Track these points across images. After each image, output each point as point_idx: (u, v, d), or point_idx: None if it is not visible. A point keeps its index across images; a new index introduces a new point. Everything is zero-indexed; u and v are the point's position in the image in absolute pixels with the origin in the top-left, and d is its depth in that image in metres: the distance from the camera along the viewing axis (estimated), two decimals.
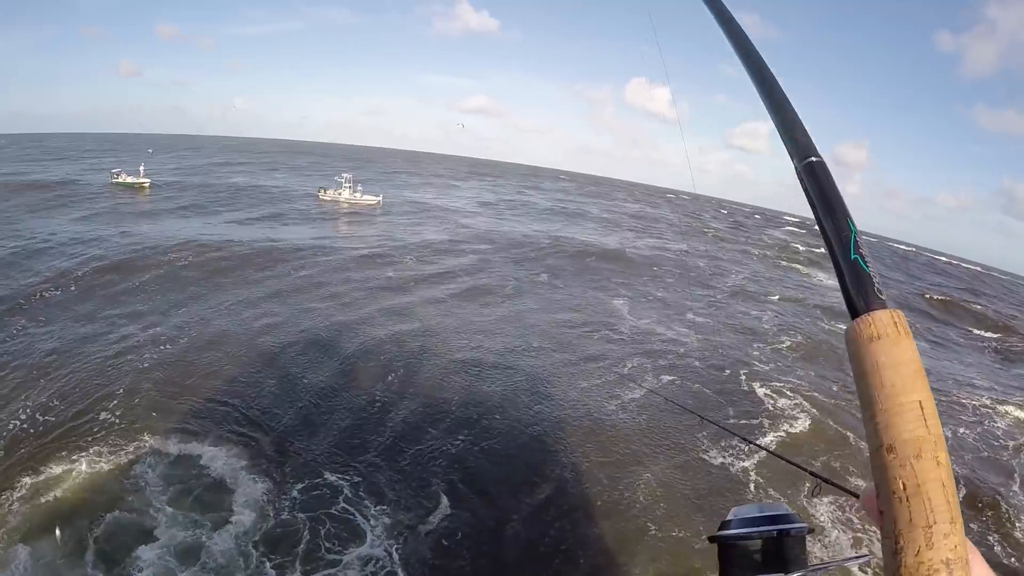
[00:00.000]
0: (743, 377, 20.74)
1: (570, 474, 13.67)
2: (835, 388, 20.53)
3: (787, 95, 1.50)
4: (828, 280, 41.52)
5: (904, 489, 0.92)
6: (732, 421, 17.03)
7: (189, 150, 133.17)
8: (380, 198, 58.59)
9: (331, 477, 12.93)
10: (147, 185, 52.93)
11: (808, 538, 1.38)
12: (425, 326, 22.30)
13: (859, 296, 1.09)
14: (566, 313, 25.82)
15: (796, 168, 1.34)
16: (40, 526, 10.81)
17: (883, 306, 1.07)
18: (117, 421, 14.23)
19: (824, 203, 1.24)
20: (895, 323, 1.03)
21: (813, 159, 1.33)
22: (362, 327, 21.48)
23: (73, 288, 22.92)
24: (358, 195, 57.66)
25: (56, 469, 12.33)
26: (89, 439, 13.43)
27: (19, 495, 11.52)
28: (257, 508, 11.79)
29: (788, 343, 25.83)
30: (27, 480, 11.90)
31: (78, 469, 12.44)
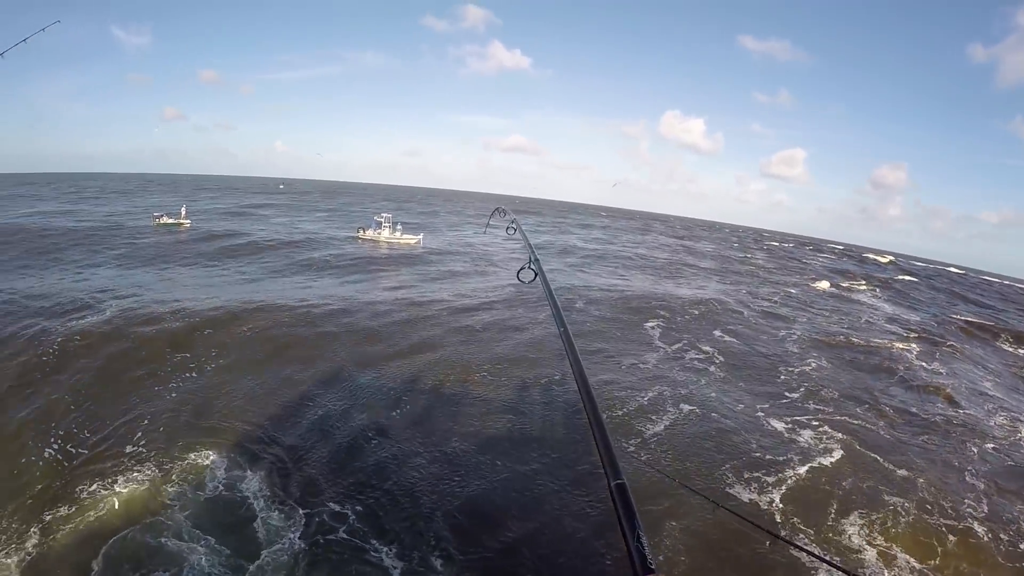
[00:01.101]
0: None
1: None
2: None
3: (605, 428, 2.34)
4: None
5: None
6: None
7: (232, 189, 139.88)
8: (420, 237, 58.84)
9: (348, 509, 13.17)
10: (187, 224, 55.70)
11: None
12: (457, 365, 22.26)
13: (638, 565, 1.70)
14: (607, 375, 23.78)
15: (609, 485, 2.03)
16: (76, 547, 11.38)
17: (650, 571, 1.65)
18: (144, 447, 14.85)
19: (626, 514, 1.89)
20: None
21: (620, 481, 2.03)
22: (395, 366, 21.72)
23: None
24: (398, 234, 57.93)
25: (87, 493, 12.93)
26: (118, 463, 14.08)
27: (54, 517, 12.11)
28: (278, 537, 12.13)
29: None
30: (62, 507, 12.49)
31: (110, 493, 13.02)
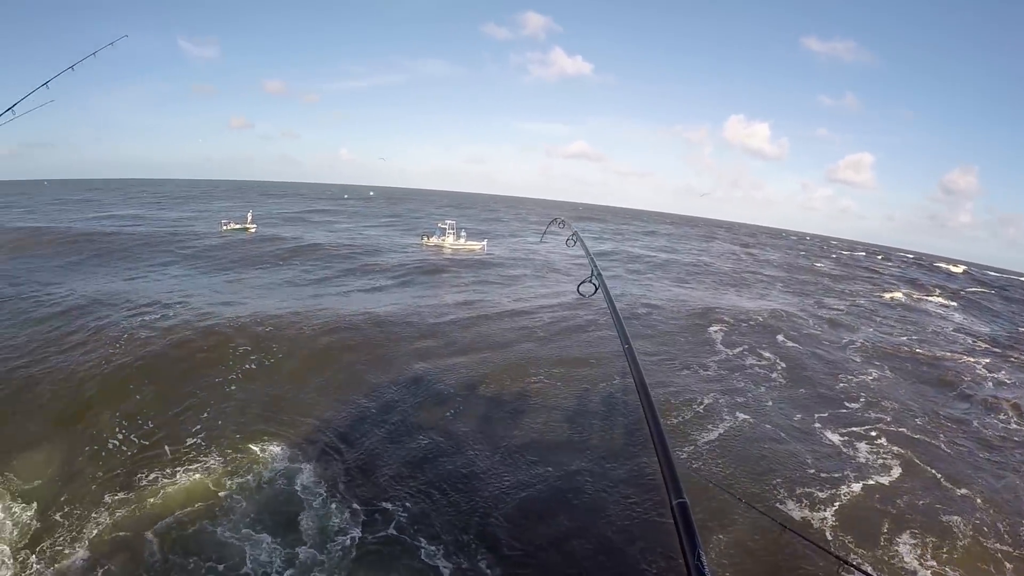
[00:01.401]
0: None
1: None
2: None
3: (668, 446, 2.30)
4: None
5: None
6: None
7: (297, 196, 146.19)
8: (484, 244, 58.58)
9: (399, 506, 13.25)
10: (254, 229, 57.59)
11: None
12: (515, 368, 22.13)
13: None
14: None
15: (671, 504, 1.98)
16: (135, 532, 11.77)
17: None
18: (203, 439, 15.23)
19: (687, 532, 1.85)
20: None
21: (683, 500, 1.98)
22: (454, 367, 21.64)
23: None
24: (461, 241, 57.86)
25: (147, 480, 13.40)
26: (178, 453, 14.55)
27: (115, 502, 12.53)
28: (331, 532, 12.29)
29: None
30: (124, 492, 12.91)
31: (170, 481, 13.46)
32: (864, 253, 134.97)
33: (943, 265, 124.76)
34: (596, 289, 4.79)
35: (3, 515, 11.96)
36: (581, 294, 4.83)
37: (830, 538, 13.25)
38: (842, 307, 44.79)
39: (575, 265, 50.49)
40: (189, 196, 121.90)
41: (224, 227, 57.66)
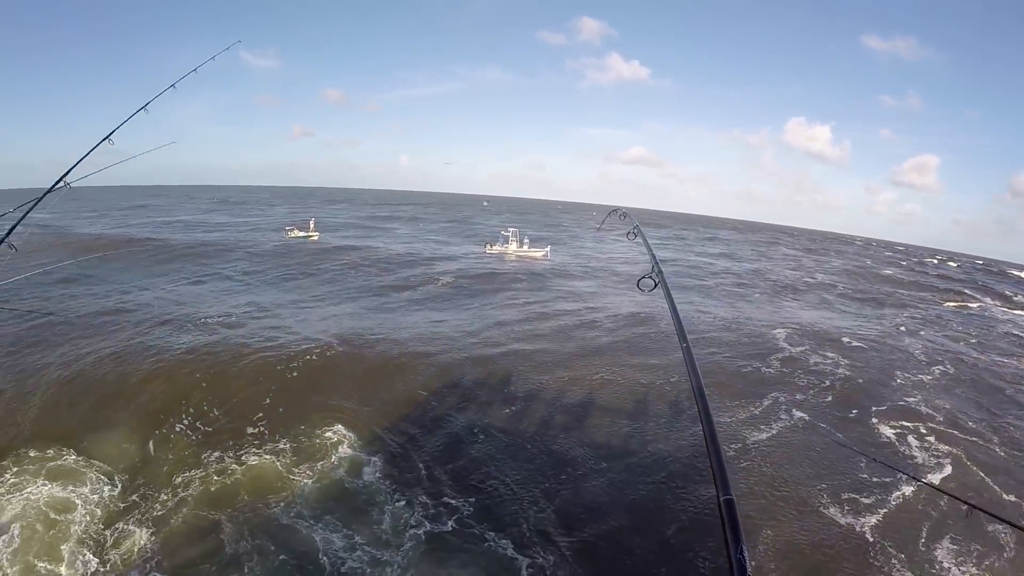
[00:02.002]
0: None
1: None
2: None
3: (719, 442, 2.42)
4: None
5: None
6: None
7: (360, 202, 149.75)
8: (547, 250, 57.87)
9: (464, 500, 13.40)
10: (316, 237, 58.55)
11: None
12: (574, 369, 22.16)
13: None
14: None
15: (718, 500, 2.05)
16: (203, 513, 12.39)
17: None
18: (266, 428, 15.80)
19: (731, 528, 1.91)
20: None
21: (729, 497, 2.04)
22: (515, 369, 21.83)
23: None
24: (524, 248, 57.62)
25: (217, 462, 14.17)
26: (241, 440, 15.26)
27: (184, 481, 13.19)
28: (399, 523, 12.53)
29: None
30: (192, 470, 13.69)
31: (238, 464, 14.13)
32: (935, 260, 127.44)
33: (1014, 272, 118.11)
34: (656, 285, 4.76)
35: (90, 492, 12.75)
36: (641, 289, 4.79)
37: (870, 539, 13.20)
38: (907, 314, 43.14)
39: (638, 271, 48.54)
40: (255, 202, 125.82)
41: (288, 234, 59.16)
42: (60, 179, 6.27)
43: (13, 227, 4.79)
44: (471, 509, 13.05)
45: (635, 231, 7.19)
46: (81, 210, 78.21)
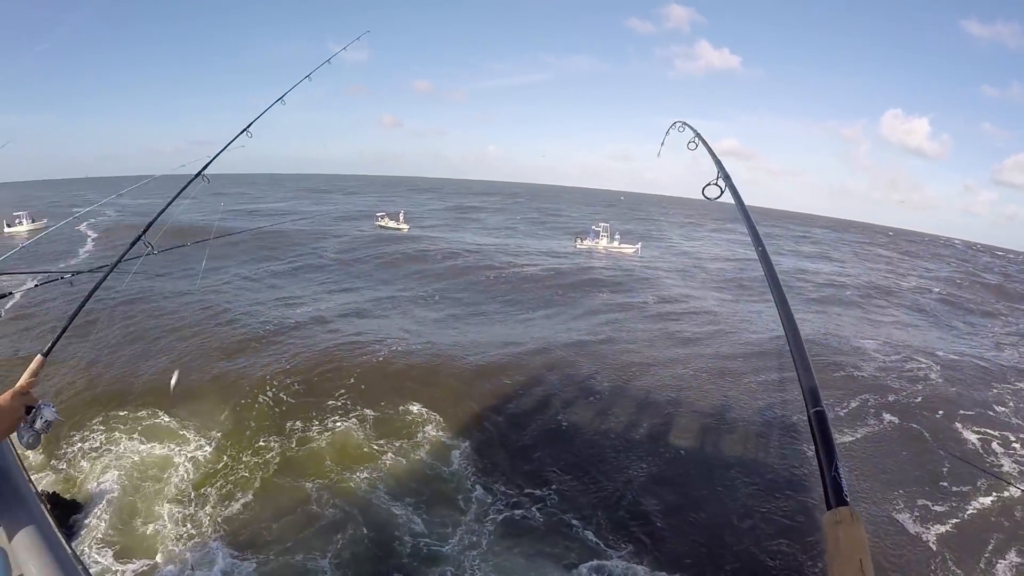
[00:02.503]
0: None
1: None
2: None
3: (807, 354, 2.19)
4: None
5: None
6: None
7: (450, 192, 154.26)
8: (638, 246, 56.27)
9: (546, 489, 13.56)
10: (406, 229, 59.05)
11: None
12: (659, 363, 22.27)
13: (834, 497, 1.64)
14: None
15: (808, 412, 1.94)
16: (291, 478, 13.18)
17: (845, 504, 1.61)
18: (350, 402, 16.54)
19: (823, 440, 1.83)
20: (851, 515, 1.57)
21: (819, 409, 1.92)
22: (599, 362, 21.94)
23: None
24: (615, 243, 56.67)
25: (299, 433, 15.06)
26: (325, 413, 16.06)
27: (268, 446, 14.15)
28: (481, 508, 12.69)
29: None
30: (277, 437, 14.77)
31: (321, 435, 15.00)
32: None
33: None
34: (722, 192, 4.48)
35: (191, 454, 13.85)
36: (707, 197, 4.48)
37: (935, 549, 13.01)
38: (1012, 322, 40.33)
39: (725, 266, 49.69)
40: (345, 190, 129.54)
41: (378, 223, 60.32)
42: (200, 171, 6.16)
43: (152, 222, 4.86)
44: (555, 498, 13.21)
45: (696, 141, 6.53)
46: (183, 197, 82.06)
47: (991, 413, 20.17)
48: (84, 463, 13.57)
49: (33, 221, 52.99)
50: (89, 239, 45.73)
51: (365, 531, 11.66)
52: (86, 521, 11.78)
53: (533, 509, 12.75)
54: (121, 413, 15.53)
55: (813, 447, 1.86)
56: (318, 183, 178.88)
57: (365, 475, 13.42)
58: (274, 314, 24.49)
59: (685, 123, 7.26)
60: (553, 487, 13.60)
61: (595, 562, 11.34)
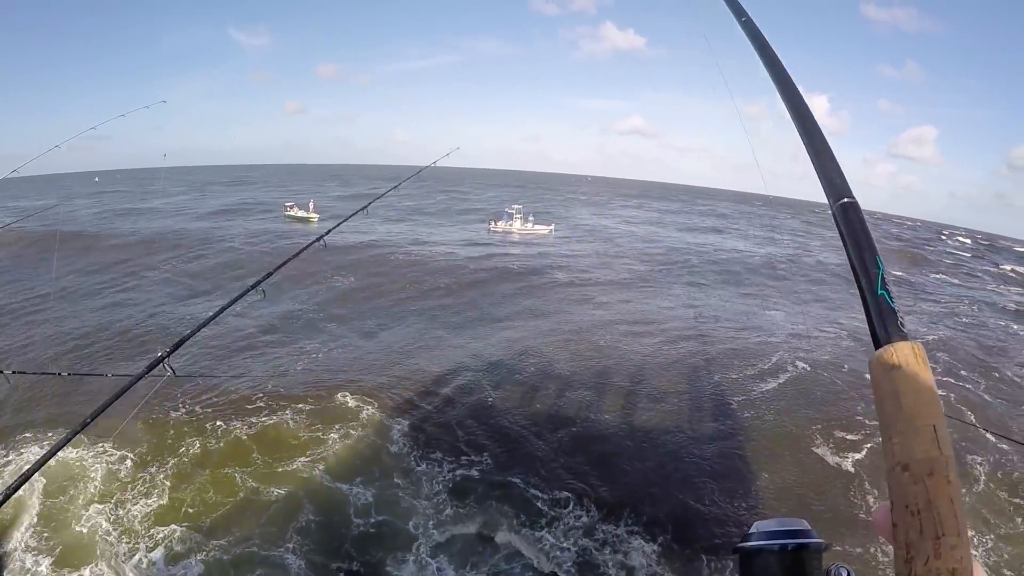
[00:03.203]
0: None
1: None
2: None
3: (826, 137, 1.70)
4: None
5: (916, 504, 1.03)
6: None
7: (358, 178, 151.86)
8: (552, 227, 58.03)
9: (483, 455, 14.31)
10: (315, 219, 57.72)
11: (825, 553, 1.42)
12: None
13: (882, 329, 1.23)
14: None
15: (831, 208, 1.51)
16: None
17: (904, 338, 1.19)
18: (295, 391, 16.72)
19: (855, 242, 1.40)
20: (914, 354, 1.16)
21: (847, 200, 1.49)
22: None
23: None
24: (529, 225, 57.61)
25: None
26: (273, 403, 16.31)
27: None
28: (426, 477, 13.51)
29: None
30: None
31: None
32: (944, 236, 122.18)
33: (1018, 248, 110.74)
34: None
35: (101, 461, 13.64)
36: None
37: None
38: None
39: (646, 251, 50.65)
40: (248, 182, 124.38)
41: (287, 212, 59.16)
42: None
43: None
44: (490, 463, 14.18)
45: None
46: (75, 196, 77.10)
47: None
48: None
49: None
50: None
51: (318, 515, 12.20)
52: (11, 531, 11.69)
53: (473, 471, 13.79)
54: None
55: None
56: (223, 175, 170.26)
57: (307, 460, 13.91)
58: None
59: None
60: (486, 453, 14.55)
61: (539, 513, 12.56)
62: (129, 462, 13.66)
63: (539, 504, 12.79)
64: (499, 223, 57.64)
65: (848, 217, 1.46)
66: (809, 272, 43.86)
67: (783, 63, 2.15)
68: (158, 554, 11.21)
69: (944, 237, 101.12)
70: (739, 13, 2.65)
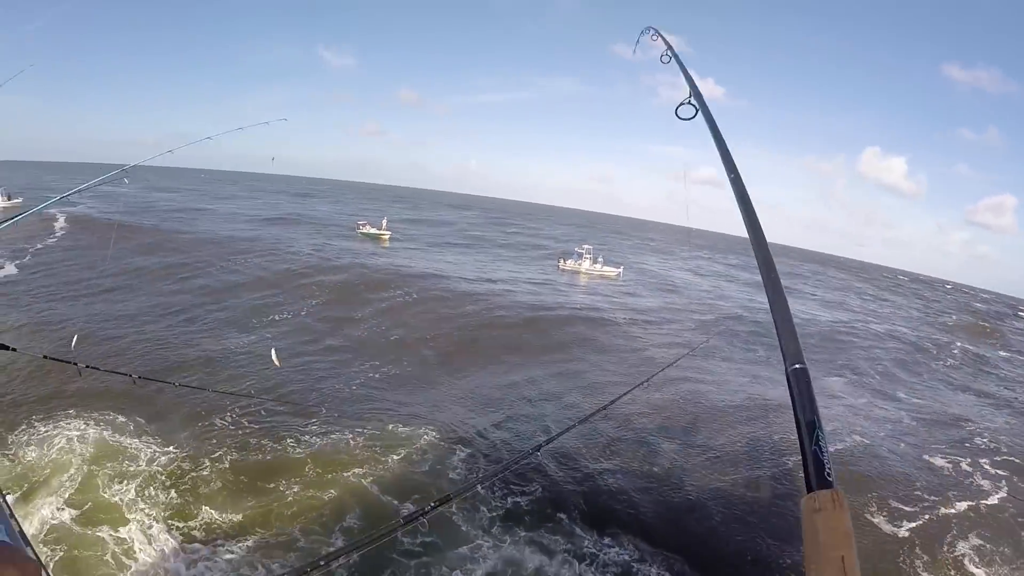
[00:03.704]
0: None
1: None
2: None
3: (788, 306, 2.04)
4: None
5: None
6: None
7: (433, 203, 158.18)
8: (620, 270, 58.28)
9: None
10: (387, 236, 59.32)
11: None
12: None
13: (813, 477, 1.47)
14: None
15: (786, 370, 1.80)
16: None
17: (828, 487, 1.43)
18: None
19: (802, 402, 1.66)
20: (833, 501, 1.37)
21: (798, 365, 1.78)
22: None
23: None
24: (598, 266, 57.57)
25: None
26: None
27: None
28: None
29: None
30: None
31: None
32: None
33: None
34: (697, 112, 4.24)
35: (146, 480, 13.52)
36: (680, 117, 4.31)
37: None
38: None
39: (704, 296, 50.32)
40: (327, 195, 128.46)
41: (360, 230, 60.30)
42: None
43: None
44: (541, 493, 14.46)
45: (668, 54, 5.97)
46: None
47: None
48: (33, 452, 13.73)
49: (9, 199, 53.06)
50: (57, 227, 43.85)
51: (363, 521, 12.55)
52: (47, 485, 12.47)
53: (522, 500, 14.05)
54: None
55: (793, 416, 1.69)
56: (301, 186, 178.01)
57: (361, 473, 14.27)
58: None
59: (657, 31, 6.27)
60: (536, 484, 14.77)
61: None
62: (172, 456, 14.16)
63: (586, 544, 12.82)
64: (568, 261, 57.78)
65: (799, 380, 1.76)
66: (882, 341, 40.77)
67: (762, 228, 2.54)
68: (183, 534, 11.77)
69: (1022, 313, 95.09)
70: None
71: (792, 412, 1.64)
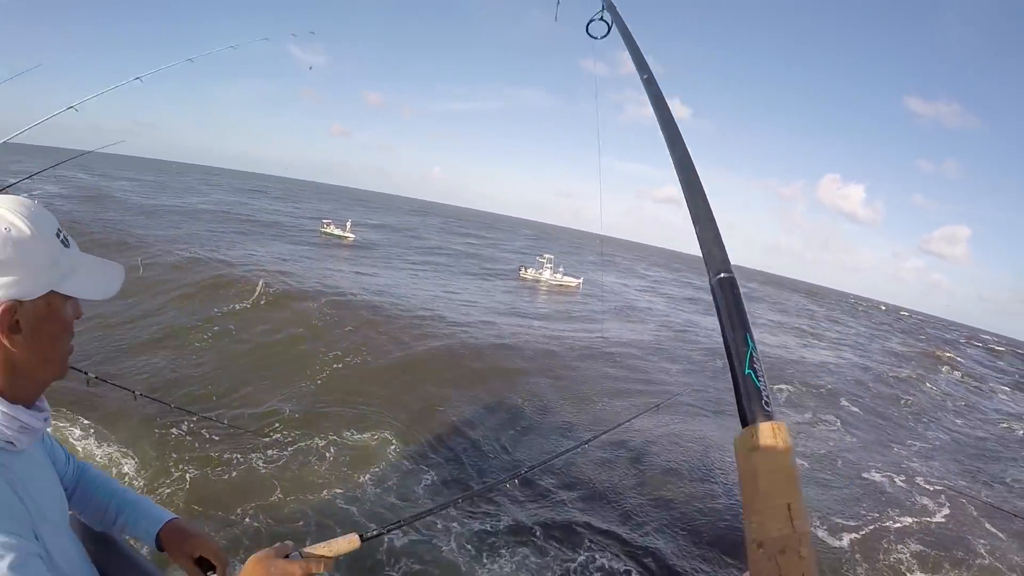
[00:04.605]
0: None
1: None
2: None
3: (712, 209, 1.76)
4: None
5: None
6: None
7: (395, 209, 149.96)
8: (580, 280, 58.27)
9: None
10: (351, 239, 58.43)
11: None
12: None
13: (748, 408, 1.25)
14: None
15: (710, 281, 1.52)
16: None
17: (768, 418, 1.21)
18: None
19: (730, 318, 1.41)
20: (774, 434, 1.17)
21: (724, 275, 1.52)
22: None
23: None
24: (559, 276, 57.54)
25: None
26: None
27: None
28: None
29: None
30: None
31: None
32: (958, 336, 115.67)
33: None
34: (610, 28, 3.44)
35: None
36: (591, 35, 3.54)
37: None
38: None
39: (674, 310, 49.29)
40: (286, 195, 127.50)
41: (324, 228, 59.68)
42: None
43: None
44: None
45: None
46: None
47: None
48: None
49: None
50: None
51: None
52: None
53: (488, 524, 12.82)
54: None
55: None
56: (260, 183, 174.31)
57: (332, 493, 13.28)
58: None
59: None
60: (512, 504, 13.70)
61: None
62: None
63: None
64: (529, 270, 57.90)
65: (725, 292, 1.48)
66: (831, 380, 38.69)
67: (678, 127, 2.31)
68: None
69: (968, 340, 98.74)
70: (642, 69, 2.71)
71: (720, 330, 1.41)
